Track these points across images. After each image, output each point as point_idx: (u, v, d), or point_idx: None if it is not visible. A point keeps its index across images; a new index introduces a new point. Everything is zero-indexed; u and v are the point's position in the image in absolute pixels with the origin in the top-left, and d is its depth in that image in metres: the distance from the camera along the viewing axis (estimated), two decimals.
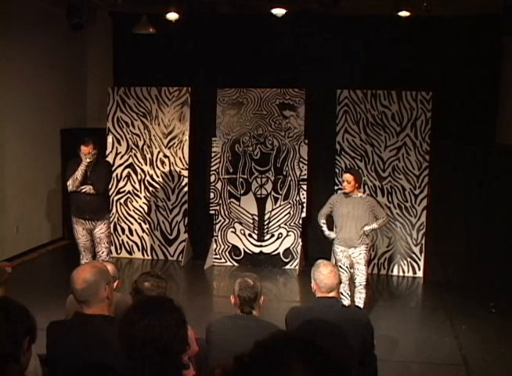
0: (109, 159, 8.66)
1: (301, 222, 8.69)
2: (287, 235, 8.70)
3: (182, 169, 8.90)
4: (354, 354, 3.63)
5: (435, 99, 8.29)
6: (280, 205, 8.72)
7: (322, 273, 3.99)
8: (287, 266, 8.67)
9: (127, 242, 9.05)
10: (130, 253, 9.05)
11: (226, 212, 8.80)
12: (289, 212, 8.69)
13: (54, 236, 9.61)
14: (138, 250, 9.04)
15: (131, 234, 9.02)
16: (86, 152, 6.62)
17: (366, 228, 6.26)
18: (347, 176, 6.25)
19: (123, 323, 2.27)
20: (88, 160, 6.64)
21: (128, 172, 8.98)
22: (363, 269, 6.27)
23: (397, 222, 8.42)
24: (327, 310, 3.84)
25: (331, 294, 3.98)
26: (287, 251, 8.71)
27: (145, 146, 8.95)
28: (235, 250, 8.80)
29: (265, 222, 8.75)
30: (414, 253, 8.42)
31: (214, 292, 8.26)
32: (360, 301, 6.28)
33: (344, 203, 6.29)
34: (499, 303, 7.20)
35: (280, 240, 8.72)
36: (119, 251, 9.01)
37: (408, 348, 6.11)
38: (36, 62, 8.88)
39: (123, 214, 9.01)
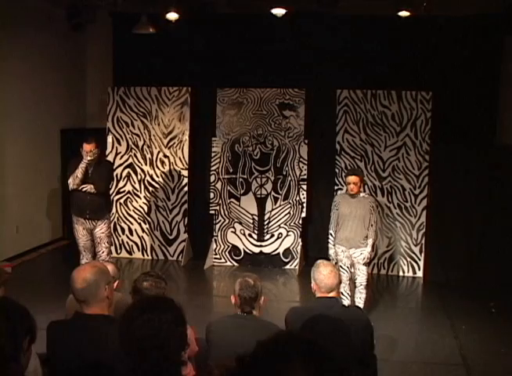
0: (109, 159, 8.65)
1: (300, 222, 8.68)
2: (287, 235, 8.69)
3: (182, 169, 8.89)
4: (355, 354, 3.63)
5: (435, 99, 8.29)
6: (280, 205, 8.72)
7: (322, 273, 3.99)
8: (287, 266, 8.67)
9: (127, 242, 9.05)
10: (130, 253, 9.04)
11: (226, 212, 8.80)
12: (289, 212, 8.69)
13: (54, 236, 9.60)
14: (138, 250, 9.04)
15: (131, 234, 9.02)
16: (88, 150, 6.63)
17: (365, 254, 6.26)
18: (354, 178, 6.21)
19: (122, 320, 2.28)
20: (88, 158, 6.64)
21: (128, 172, 8.98)
22: (364, 269, 6.27)
23: (397, 222, 8.42)
24: (327, 310, 3.83)
25: (331, 294, 3.99)
26: (287, 251, 8.71)
27: (145, 146, 8.95)
28: (235, 250, 8.80)
29: (265, 222, 8.75)
30: (414, 253, 8.42)
31: (214, 292, 8.26)
32: (360, 301, 6.28)
33: (348, 203, 6.29)
34: (499, 303, 7.19)
35: (280, 240, 8.72)
36: (119, 251, 9.00)
37: (408, 348, 6.11)
38: (36, 62, 8.88)
39: (123, 214, 9.01)
